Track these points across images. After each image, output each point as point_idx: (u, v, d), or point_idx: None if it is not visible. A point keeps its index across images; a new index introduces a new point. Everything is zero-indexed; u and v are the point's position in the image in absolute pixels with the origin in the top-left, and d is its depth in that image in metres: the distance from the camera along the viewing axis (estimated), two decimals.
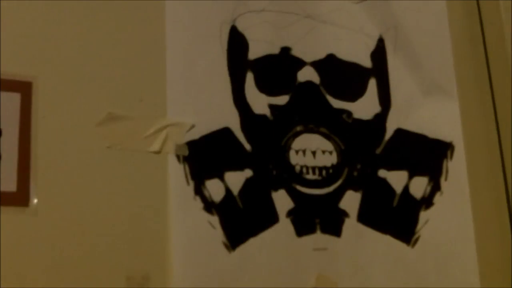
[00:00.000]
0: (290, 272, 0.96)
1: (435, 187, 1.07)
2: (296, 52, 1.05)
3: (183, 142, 0.94)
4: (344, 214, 1.01)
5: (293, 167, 1.00)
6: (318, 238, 0.99)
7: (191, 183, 0.93)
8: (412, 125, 1.09)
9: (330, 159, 1.02)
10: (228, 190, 0.95)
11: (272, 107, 1.01)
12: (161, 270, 0.88)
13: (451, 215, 1.07)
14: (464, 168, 1.10)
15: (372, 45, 1.11)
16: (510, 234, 1.12)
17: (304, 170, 1.00)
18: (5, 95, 0.85)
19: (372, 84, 1.09)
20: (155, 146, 0.92)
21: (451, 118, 1.12)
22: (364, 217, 1.02)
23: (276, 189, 0.98)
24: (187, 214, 0.91)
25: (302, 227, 0.98)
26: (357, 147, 1.05)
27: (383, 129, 1.07)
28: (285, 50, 1.04)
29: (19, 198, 0.83)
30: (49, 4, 0.91)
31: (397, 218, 1.04)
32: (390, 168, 1.06)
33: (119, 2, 0.95)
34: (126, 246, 0.88)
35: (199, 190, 0.93)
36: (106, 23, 0.94)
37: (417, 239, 1.04)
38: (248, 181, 0.96)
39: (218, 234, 0.93)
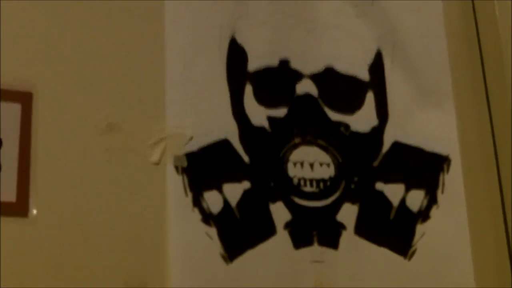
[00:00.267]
0: (287, 284, 0.96)
1: (432, 200, 1.08)
2: (294, 65, 1.06)
3: (181, 154, 0.94)
4: (341, 226, 1.01)
5: (291, 179, 1.00)
6: (316, 250, 0.99)
7: (190, 194, 0.93)
8: (409, 138, 1.10)
9: (328, 172, 1.03)
10: (226, 202, 0.95)
11: (270, 119, 1.02)
12: (159, 281, 0.89)
13: (448, 228, 1.08)
14: (460, 181, 1.10)
15: (370, 58, 1.11)
16: (507, 246, 1.12)
17: (302, 182, 1.01)
18: (6, 105, 0.85)
19: (370, 97, 1.09)
20: (154, 158, 0.92)
21: (448, 131, 1.12)
22: (361, 230, 1.02)
23: (274, 201, 0.98)
24: (185, 225, 0.92)
25: (300, 239, 0.98)
26: (354, 160, 1.05)
27: (380, 142, 1.08)
28: (284, 63, 1.05)
29: (18, 208, 0.83)
30: (48, 15, 0.92)
31: (394, 231, 1.04)
32: (387, 181, 1.06)
33: (118, 13, 0.96)
34: (125, 257, 0.88)
35: (197, 202, 0.93)
36: (105, 35, 0.94)
37: (413, 252, 1.04)
38: (246, 193, 0.97)
39: (216, 246, 0.93)
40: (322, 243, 1.00)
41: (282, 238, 0.97)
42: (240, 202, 0.96)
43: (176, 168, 0.93)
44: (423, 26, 1.16)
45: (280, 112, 1.03)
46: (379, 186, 1.06)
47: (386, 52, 1.12)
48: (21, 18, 0.90)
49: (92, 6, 0.94)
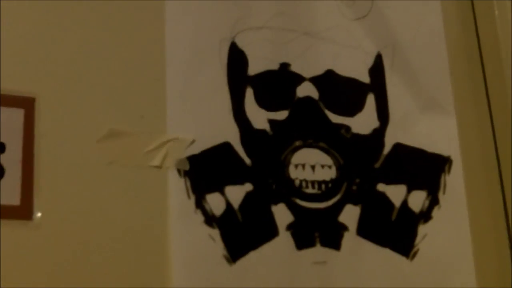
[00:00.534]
0: (290, 285, 0.96)
1: (433, 201, 1.08)
2: (295, 68, 1.06)
3: (183, 157, 0.95)
4: (343, 227, 1.02)
5: (292, 181, 1.01)
6: (318, 251, 1.00)
7: (192, 197, 0.94)
8: (410, 140, 1.10)
9: (329, 173, 1.04)
10: (228, 204, 0.96)
11: (271, 122, 1.02)
12: (162, 283, 0.89)
13: (449, 229, 1.08)
14: (461, 182, 1.11)
15: (370, 61, 1.12)
16: (508, 247, 1.12)
17: (304, 184, 1.02)
18: (9, 110, 0.86)
19: (371, 99, 1.10)
20: (156, 161, 0.93)
21: (449, 132, 1.13)
22: (363, 231, 1.03)
23: (276, 203, 0.99)
24: (188, 228, 0.92)
25: (302, 241, 0.99)
26: (355, 162, 1.06)
27: (382, 144, 1.09)
28: (284, 66, 1.06)
29: (22, 211, 0.84)
30: (52, 22, 0.92)
31: (396, 232, 1.05)
32: (389, 182, 1.07)
33: (120, 22, 0.97)
34: (128, 259, 0.89)
35: (200, 204, 0.94)
36: (107, 42, 0.95)
37: (415, 253, 1.05)
38: (248, 195, 0.97)
39: (218, 247, 0.93)
40: (324, 244, 1.00)
41: (284, 239, 0.98)
42: (243, 204, 0.97)
43: (179, 171, 0.94)
44: (422, 28, 1.17)
45: (281, 115, 1.03)
46: (381, 187, 1.06)
47: (386, 54, 1.13)
48: (24, 24, 0.91)
49: (95, 18, 0.95)
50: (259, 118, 1.02)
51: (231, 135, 0.99)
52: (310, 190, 1.02)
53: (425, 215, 1.07)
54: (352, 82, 1.10)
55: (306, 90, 1.06)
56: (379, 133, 1.09)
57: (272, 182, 1.00)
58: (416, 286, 1.03)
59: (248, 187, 0.98)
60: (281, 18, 1.07)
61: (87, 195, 0.88)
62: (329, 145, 1.05)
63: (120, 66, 0.95)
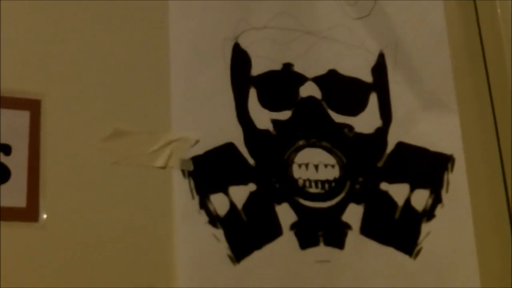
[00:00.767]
0: (294, 284, 0.97)
1: (436, 199, 1.09)
2: (298, 68, 1.07)
3: (187, 157, 0.96)
4: (346, 226, 1.03)
5: (296, 180, 1.02)
6: (321, 250, 1.00)
7: (196, 197, 0.94)
8: (413, 139, 1.11)
9: (333, 173, 1.04)
10: (232, 204, 0.96)
11: (274, 122, 1.03)
12: (167, 283, 0.90)
13: (453, 227, 1.08)
14: (464, 180, 1.11)
15: (372, 60, 1.12)
16: (511, 244, 1.13)
17: (307, 183, 1.02)
18: (15, 113, 0.87)
19: (373, 98, 1.10)
20: (160, 161, 0.94)
21: (452, 131, 1.13)
22: (367, 230, 1.03)
23: (279, 203, 1.00)
24: (192, 228, 0.93)
25: (306, 240, 0.99)
26: (359, 161, 1.06)
27: (385, 143, 1.09)
28: (287, 66, 1.06)
29: (29, 213, 0.85)
30: (57, 25, 0.93)
31: (399, 230, 1.05)
32: (392, 181, 1.07)
33: (124, 23, 0.97)
34: (133, 259, 0.89)
35: (204, 204, 0.95)
36: (111, 43, 0.96)
37: (419, 251, 1.05)
38: (252, 195, 0.98)
39: (223, 247, 0.94)
40: (328, 243, 1.01)
41: (288, 239, 0.98)
42: (246, 204, 0.97)
43: (183, 171, 0.95)
44: (425, 27, 1.17)
45: (284, 115, 1.04)
46: (384, 186, 1.07)
47: (388, 53, 1.13)
48: (28, 26, 0.91)
49: (99, 19, 0.96)
50: (262, 118, 1.02)
51: (235, 135, 1.00)
52: (313, 190, 1.02)
53: (428, 214, 1.08)
54: (354, 82, 1.10)
55: (309, 90, 1.06)
56: (382, 132, 1.09)
57: (276, 182, 1.00)
58: (419, 284, 1.04)
59: (252, 187, 0.98)
60: (283, 18, 1.08)
61: (92, 196, 0.89)
62: (332, 145, 1.05)
63: (124, 67, 0.96)
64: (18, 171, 0.85)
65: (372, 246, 1.03)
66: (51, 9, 0.93)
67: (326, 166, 1.04)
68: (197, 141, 0.97)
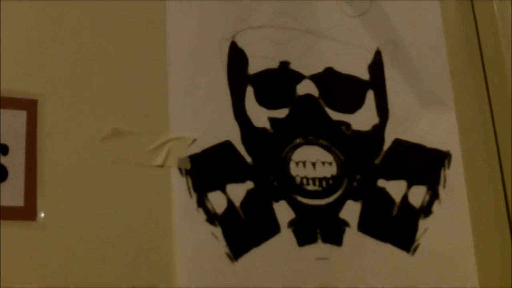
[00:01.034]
0: (292, 281, 0.97)
1: (434, 196, 1.09)
2: (295, 66, 1.07)
3: (185, 156, 0.96)
4: (344, 223, 1.03)
5: (293, 178, 1.02)
6: (320, 247, 1.00)
7: (194, 195, 0.95)
8: (410, 136, 1.11)
9: (330, 170, 1.04)
10: (230, 202, 0.97)
11: (272, 120, 1.03)
12: (166, 281, 0.90)
13: (450, 223, 1.09)
14: (461, 176, 1.12)
15: (369, 58, 1.13)
16: (510, 240, 1.13)
17: (305, 181, 1.02)
18: (12, 113, 0.87)
19: (370, 96, 1.11)
20: (158, 160, 0.94)
21: (448, 128, 1.14)
22: (365, 226, 1.04)
23: (277, 200, 1.00)
24: (190, 226, 0.93)
25: (304, 237, 1.00)
26: (356, 158, 1.07)
27: (382, 140, 1.09)
28: (284, 65, 1.07)
29: (26, 212, 0.85)
30: (54, 25, 0.93)
31: (396, 227, 1.06)
32: (389, 178, 1.07)
33: (121, 23, 0.98)
34: (132, 258, 0.90)
35: (201, 202, 0.95)
36: (109, 43, 0.96)
37: (416, 247, 1.05)
38: (249, 193, 0.98)
39: (221, 245, 0.94)
40: (326, 240, 1.01)
41: (286, 236, 0.99)
42: (244, 202, 0.97)
43: (180, 170, 0.95)
44: (422, 24, 1.18)
45: (282, 113, 1.04)
46: (381, 183, 1.07)
47: (386, 51, 1.14)
48: (26, 25, 0.92)
49: (97, 19, 0.96)
50: (259, 116, 1.03)
51: (232, 133, 1.00)
52: (311, 187, 1.02)
53: (426, 210, 1.08)
54: (351, 79, 1.10)
55: (306, 88, 1.07)
56: (379, 130, 1.09)
57: (273, 180, 1.01)
58: (417, 280, 1.04)
59: (249, 185, 0.99)
60: (280, 17, 1.08)
61: (90, 195, 0.89)
62: (329, 142, 1.06)
63: (122, 67, 0.96)
64: (15, 171, 0.85)
65: (370, 242, 1.03)
66: (49, 9, 0.94)
67: (323, 163, 1.04)
68: (194, 140, 0.97)
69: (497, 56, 1.18)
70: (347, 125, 1.08)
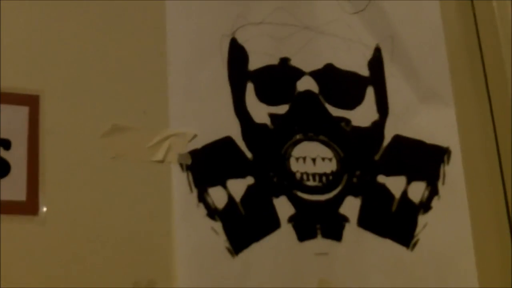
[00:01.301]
0: (292, 276, 0.98)
1: (433, 192, 1.10)
2: (295, 62, 1.08)
3: (186, 152, 0.96)
4: (344, 219, 1.03)
5: (293, 174, 1.03)
6: (319, 243, 1.01)
7: (194, 190, 0.95)
8: (410, 132, 1.11)
9: (330, 166, 1.05)
10: (230, 197, 0.97)
11: (272, 116, 1.04)
12: (166, 275, 0.91)
13: (449, 218, 1.09)
14: (461, 172, 1.12)
15: (369, 54, 1.13)
16: (509, 235, 1.13)
17: (305, 177, 1.03)
18: (14, 108, 0.88)
19: (370, 92, 1.11)
20: (159, 156, 0.95)
21: (448, 124, 1.14)
22: (364, 222, 1.04)
23: (277, 196, 1.01)
24: (191, 221, 0.94)
25: (304, 232, 1.00)
26: (356, 154, 1.07)
27: (381, 136, 1.10)
28: (284, 61, 1.07)
29: (28, 207, 0.86)
30: (56, 21, 0.94)
31: (396, 222, 1.06)
32: (389, 173, 1.08)
33: (122, 20, 0.98)
34: (132, 253, 0.90)
35: (202, 198, 0.95)
36: (109, 40, 0.96)
37: (416, 243, 1.06)
38: (249, 188, 0.99)
39: (221, 240, 0.95)
40: (325, 235, 1.01)
41: (286, 231, 0.99)
42: (244, 197, 0.98)
43: (181, 165, 0.96)
44: (421, 20, 1.19)
45: (282, 109, 1.05)
46: (381, 179, 1.08)
47: (385, 47, 1.14)
48: (28, 23, 0.92)
49: (97, 16, 0.96)
50: (260, 112, 1.03)
51: (232, 129, 1.00)
52: (311, 183, 1.03)
53: (425, 206, 1.09)
54: (351, 76, 1.11)
55: (306, 84, 1.07)
56: (378, 126, 1.10)
57: (273, 175, 1.01)
58: (416, 276, 1.05)
59: (250, 180, 0.99)
60: (280, 13, 1.09)
61: (91, 190, 0.90)
62: (329, 138, 1.06)
63: (123, 63, 0.97)
64: (18, 166, 0.86)
65: (370, 238, 1.04)
66: (50, 7, 0.94)
67: (323, 159, 1.05)
68: (194, 136, 0.97)
69: (496, 52, 1.19)
70: (347, 121, 1.08)
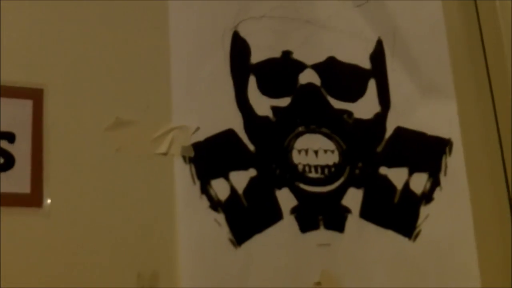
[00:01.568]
0: (294, 267, 0.99)
1: (435, 183, 1.10)
2: (297, 55, 1.08)
3: (188, 144, 0.97)
4: (346, 210, 1.04)
5: (295, 166, 1.03)
6: (322, 234, 1.02)
7: (197, 182, 0.96)
8: (411, 124, 1.12)
9: (332, 158, 1.05)
10: (233, 189, 0.98)
11: (274, 109, 1.04)
12: (170, 266, 0.92)
13: (451, 209, 1.10)
14: (462, 164, 1.13)
15: (371, 47, 1.14)
16: (510, 226, 1.14)
17: (307, 169, 1.04)
18: (18, 102, 0.89)
19: (372, 85, 1.12)
20: (162, 148, 0.96)
21: (449, 116, 1.15)
22: (366, 213, 1.05)
23: (279, 188, 1.01)
24: (193, 213, 0.95)
25: (306, 224, 1.01)
26: (358, 146, 1.08)
27: (383, 128, 1.10)
28: (286, 54, 1.08)
29: (33, 199, 0.87)
30: (59, 16, 0.95)
31: (398, 214, 1.07)
32: (391, 165, 1.08)
33: (125, 16, 0.99)
34: (136, 245, 0.91)
35: (205, 190, 0.96)
36: (113, 35, 0.97)
37: (418, 233, 1.07)
38: (252, 180, 1.00)
39: (224, 231, 0.96)
40: (328, 227, 1.02)
41: (288, 222, 1.00)
42: (247, 189, 0.99)
43: (184, 158, 0.96)
44: (422, 13, 1.19)
45: (284, 101, 1.05)
46: (383, 170, 1.08)
47: (386, 40, 1.15)
48: (33, 17, 0.93)
49: (101, 11, 0.97)
50: (262, 105, 1.04)
51: (235, 122, 1.01)
52: (313, 175, 1.04)
53: (427, 197, 1.09)
54: (353, 68, 1.11)
55: (308, 77, 1.08)
56: (380, 118, 1.11)
57: (276, 167, 1.02)
58: (418, 266, 1.05)
59: (252, 172, 1.00)
60: (282, 7, 1.09)
61: (95, 182, 0.91)
62: (331, 131, 1.07)
63: (126, 57, 0.97)
64: (22, 158, 0.87)
65: (372, 229, 1.05)
66: (54, 2, 0.95)
67: (325, 151, 1.05)
68: (197, 129, 0.98)
69: (497, 45, 1.19)
70: (349, 114, 1.09)
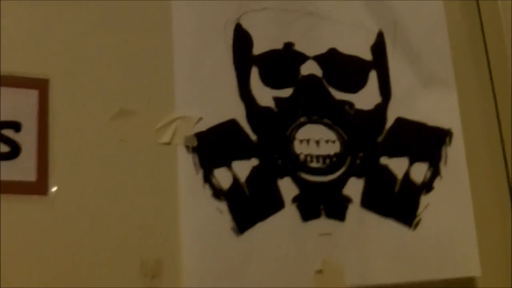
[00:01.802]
0: (295, 256, 1.00)
1: (435, 172, 1.11)
2: (298, 47, 1.09)
3: (191, 134, 0.98)
4: (347, 200, 1.05)
5: (297, 156, 1.04)
6: (323, 223, 1.03)
7: (200, 172, 0.97)
8: (412, 114, 1.13)
9: (334, 148, 1.07)
10: (235, 178, 0.99)
11: (276, 99, 1.06)
12: (173, 255, 0.93)
13: (451, 198, 1.11)
14: (462, 153, 1.14)
15: (372, 38, 1.15)
16: (511, 216, 1.15)
17: (308, 158, 1.05)
18: (24, 91, 0.90)
19: (373, 76, 1.13)
20: (165, 138, 0.97)
21: (450, 106, 1.16)
22: (367, 202, 1.06)
23: (281, 177, 1.02)
24: (196, 201, 0.96)
25: (307, 213, 1.02)
26: (359, 136, 1.09)
27: (384, 119, 1.11)
28: (288, 46, 1.09)
29: (38, 187, 0.88)
30: (64, 7, 0.96)
31: (398, 203, 1.08)
32: (391, 155, 1.10)
33: (129, 8, 1.00)
34: (139, 233, 0.92)
35: (207, 179, 0.98)
36: (117, 27, 0.98)
37: (418, 222, 1.08)
38: (254, 170, 1.01)
39: (226, 220, 0.97)
40: (329, 216, 1.03)
41: (290, 211, 1.01)
42: (249, 178, 1.00)
43: (187, 147, 0.98)
44: (423, 4, 1.20)
45: (286, 92, 1.06)
46: (384, 160, 1.09)
47: (387, 32, 1.16)
48: (39, 8, 0.94)
49: (105, 3, 0.98)
50: (264, 95, 1.05)
51: (237, 112, 1.02)
52: (314, 164, 1.05)
53: (427, 186, 1.10)
54: (354, 60, 1.12)
55: (310, 68, 1.09)
56: (381, 109, 1.12)
57: (278, 157, 1.03)
58: (418, 255, 1.06)
59: (254, 162, 1.01)
60: (283, 0, 1.10)
61: (100, 171, 0.92)
62: (333, 121, 1.08)
63: (130, 48, 0.98)
64: (28, 147, 0.88)
65: (373, 218, 1.06)
66: None
67: (327, 141, 1.06)
68: (200, 119, 0.99)
69: (498, 36, 1.20)
70: (350, 105, 1.10)
